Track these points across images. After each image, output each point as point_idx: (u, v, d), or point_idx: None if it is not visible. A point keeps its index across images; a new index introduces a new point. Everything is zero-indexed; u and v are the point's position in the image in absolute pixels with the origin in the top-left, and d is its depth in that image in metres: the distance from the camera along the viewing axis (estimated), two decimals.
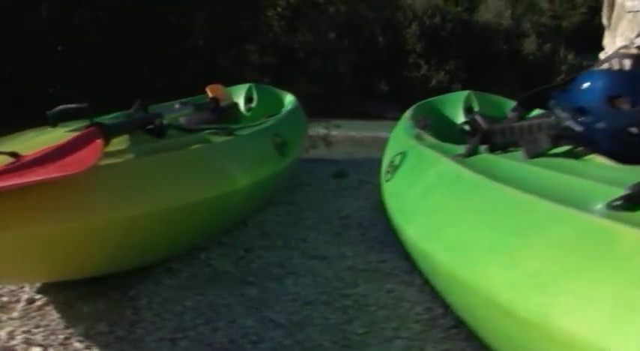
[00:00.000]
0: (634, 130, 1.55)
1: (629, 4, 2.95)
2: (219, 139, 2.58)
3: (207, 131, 2.64)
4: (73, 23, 6.40)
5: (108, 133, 2.11)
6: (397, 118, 3.55)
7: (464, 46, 17.08)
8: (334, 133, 10.65)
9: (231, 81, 7.22)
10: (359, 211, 3.27)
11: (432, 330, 1.88)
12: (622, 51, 1.63)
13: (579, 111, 1.62)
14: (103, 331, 1.84)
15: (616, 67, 2.66)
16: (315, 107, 10.43)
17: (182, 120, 3.45)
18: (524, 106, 1.92)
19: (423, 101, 3.83)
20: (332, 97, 11.85)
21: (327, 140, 10.43)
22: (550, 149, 1.58)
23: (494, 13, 18.43)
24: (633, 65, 1.61)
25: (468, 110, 3.68)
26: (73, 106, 2.38)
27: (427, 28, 17.47)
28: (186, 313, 1.99)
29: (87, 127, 2.08)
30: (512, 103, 3.56)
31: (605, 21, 3.24)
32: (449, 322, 1.91)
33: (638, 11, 2.92)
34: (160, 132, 2.46)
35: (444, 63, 16.82)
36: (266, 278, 2.30)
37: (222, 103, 3.87)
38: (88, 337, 1.80)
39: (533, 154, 1.58)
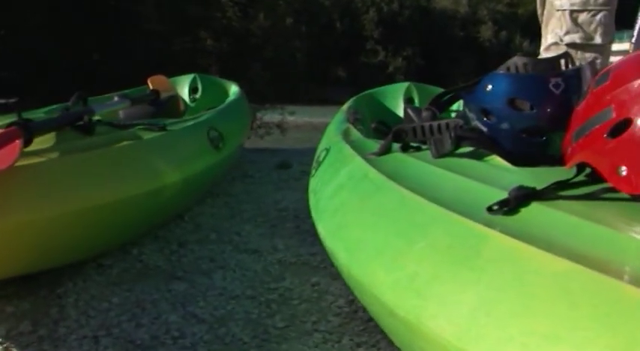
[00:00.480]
0: (532, 131, 1.63)
1: (557, 3, 3.03)
2: (149, 135, 2.58)
3: (139, 127, 2.64)
4: (15, 6, 6.26)
5: (31, 131, 2.10)
6: None
7: (421, 33, 17.25)
8: (291, 118, 10.71)
9: (184, 67, 7.18)
10: (296, 203, 3.31)
11: (350, 323, 1.94)
12: (519, 55, 1.69)
13: (484, 112, 1.69)
14: (25, 330, 1.85)
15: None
16: (270, 94, 10.46)
17: (121, 114, 3.45)
18: (437, 106, 1.98)
19: (364, 93, 3.85)
20: (288, 83, 11.86)
21: (281, 127, 10.46)
22: (455, 149, 1.64)
23: (451, 0, 18.63)
24: (533, 68, 1.68)
25: (409, 101, 3.72)
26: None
27: (385, 15, 17.59)
28: (112, 310, 2.01)
29: (9, 125, 2.07)
30: None
31: (539, 18, 3.32)
32: (368, 315, 1.96)
33: (565, 10, 3.00)
34: (88, 129, 2.45)
35: (402, 49, 16.98)
36: (195, 273, 2.33)
37: (164, 95, 3.86)
38: (8, 338, 1.81)
39: (439, 155, 1.64)
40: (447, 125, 1.72)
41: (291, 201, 3.39)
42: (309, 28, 14.57)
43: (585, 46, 2.99)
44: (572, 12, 3.00)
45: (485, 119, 1.68)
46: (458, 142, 1.62)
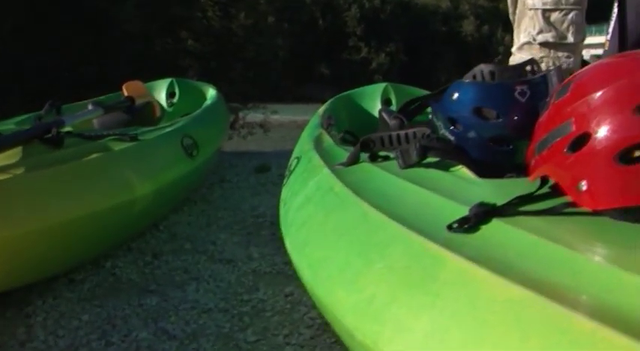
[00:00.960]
0: (498, 139, 1.61)
1: (530, 2, 3.02)
2: (120, 145, 2.54)
3: (109, 138, 2.60)
4: None
5: None
6: None
7: (403, 28, 17.24)
8: (275, 117, 10.68)
9: (165, 68, 7.09)
10: (273, 209, 3.25)
11: (322, 335, 1.92)
12: (482, 65, 1.67)
13: (451, 121, 1.67)
14: None
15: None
16: (253, 93, 10.42)
17: (95, 122, 3.40)
18: (405, 114, 1.96)
19: (340, 95, 3.82)
20: (271, 82, 11.84)
21: (264, 127, 10.42)
22: (422, 160, 1.61)
23: None
24: (498, 76, 1.66)
25: (386, 102, 3.69)
26: None
27: (367, 11, 17.56)
28: (82, 329, 1.97)
29: None
30: None
31: (511, 16, 3.31)
32: None
33: (538, 9, 2.99)
34: (57, 141, 2.41)
35: (384, 45, 16.96)
36: (168, 285, 2.30)
37: (139, 102, 3.81)
38: None
39: (406, 165, 1.62)
40: (414, 134, 1.70)
41: (268, 207, 3.36)
42: (291, 26, 14.50)
43: (558, 45, 2.99)
44: (544, 11, 2.99)
45: (452, 128, 1.66)
46: (423, 152, 1.59)
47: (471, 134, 1.64)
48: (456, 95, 1.66)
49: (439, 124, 1.74)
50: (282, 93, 13.46)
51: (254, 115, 10.28)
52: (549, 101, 1.31)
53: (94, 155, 2.38)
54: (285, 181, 2.30)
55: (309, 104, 12.52)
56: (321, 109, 3.36)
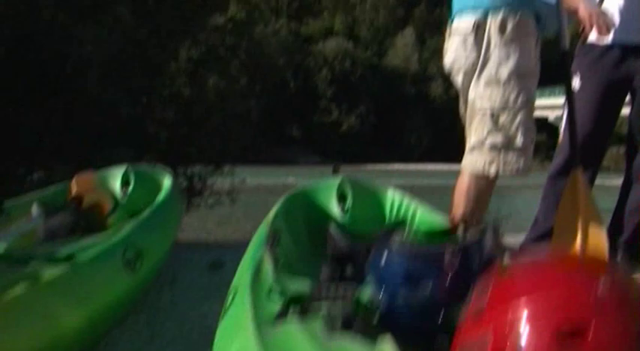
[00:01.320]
0: (429, 306, 1.53)
1: (478, 104, 2.97)
2: (52, 270, 2.41)
3: (40, 262, 2.48)
4: None
5: None
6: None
7: (374, 91, 17.45)
8: (248, 180, 10.53)
9: (133, 136, 6.96)
10: None
11: None
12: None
13: (381, 285, 1.60)
14: None
15: None
16: (224, 156, 10.32)
17: (39, 228, 3.28)
18: (339, 264, 1.89)
19: (294, 193, 3.72)
20: (242, 145, 11.77)
21: (232, 195, 10.27)
22: (347, 327, 1.53)
23: (402, 58, 18.99)
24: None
25: (342, 198, 3.62)
26: None
27: (337, 73, 17.80)
28: None
29: None
30: (388, 191, 3.57)
31: (462, 116, 3.27)
32: None
33: (486, 111, 2.94)
34: None
35: (355, 107, 17.14)
36: None
37: (87, 200, 3.71)
38: None
39: (330, 332, 1.53)
40: (344, 296, 1.62)
41: (215, 316, 3.23)
42: (263, 88, 14.59)
43: (507, 148, 2.94)
44: (492, 114, 2.94)
45: (382, 293, 1.59)
46: (348, 324, 1.51)
47: (401, 300, 1.57)
48: (386, 260, 1.60)
49: (370, 286, 1.66)
50: (253, 156, 13.43)
51: (222, 181, 10.16)
52: (467, 308, 1.24)
53: (20, 288, 2.24)
54: (222, 313, 2.18)
55: (280, 167, 12.50)
56: (271, 213, 3.24)
